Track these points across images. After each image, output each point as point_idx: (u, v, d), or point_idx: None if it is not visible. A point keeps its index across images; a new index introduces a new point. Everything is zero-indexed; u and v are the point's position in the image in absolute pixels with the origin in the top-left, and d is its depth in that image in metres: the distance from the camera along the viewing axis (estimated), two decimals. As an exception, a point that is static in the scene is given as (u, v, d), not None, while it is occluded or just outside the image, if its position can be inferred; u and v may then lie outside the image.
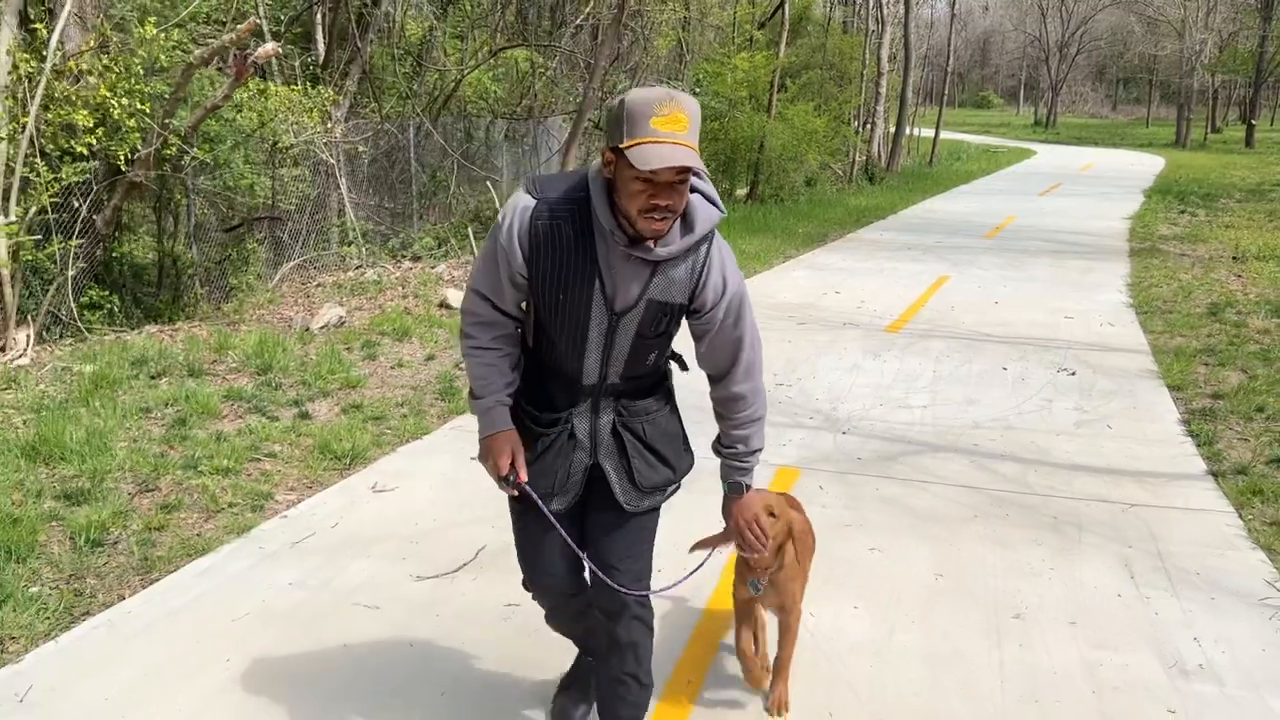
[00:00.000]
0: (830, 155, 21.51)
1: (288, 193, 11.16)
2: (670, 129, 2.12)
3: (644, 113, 2.12)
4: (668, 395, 2.63)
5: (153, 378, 6.71)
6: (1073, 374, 7.27)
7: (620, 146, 2.14)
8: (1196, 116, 47.25)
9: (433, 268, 11.73)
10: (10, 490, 4.49)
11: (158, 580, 3.86)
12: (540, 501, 2.48)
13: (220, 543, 4.18)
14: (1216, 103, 52.10)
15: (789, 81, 21.15)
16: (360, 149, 12.14)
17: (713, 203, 2.35)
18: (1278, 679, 3.29)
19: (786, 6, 19.98)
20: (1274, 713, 3.11)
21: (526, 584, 2.70)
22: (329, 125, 11.63)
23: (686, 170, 2.16)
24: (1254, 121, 42.05)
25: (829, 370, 7.26)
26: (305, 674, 3.24)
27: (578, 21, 17.43)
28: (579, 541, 2.59)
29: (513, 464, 2.45)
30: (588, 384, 2.45)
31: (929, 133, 31.63)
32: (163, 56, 8.46)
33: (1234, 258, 13.20)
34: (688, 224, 2.30)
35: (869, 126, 24.36)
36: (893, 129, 26.76)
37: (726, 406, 2.54)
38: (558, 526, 2.49)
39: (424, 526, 4.39)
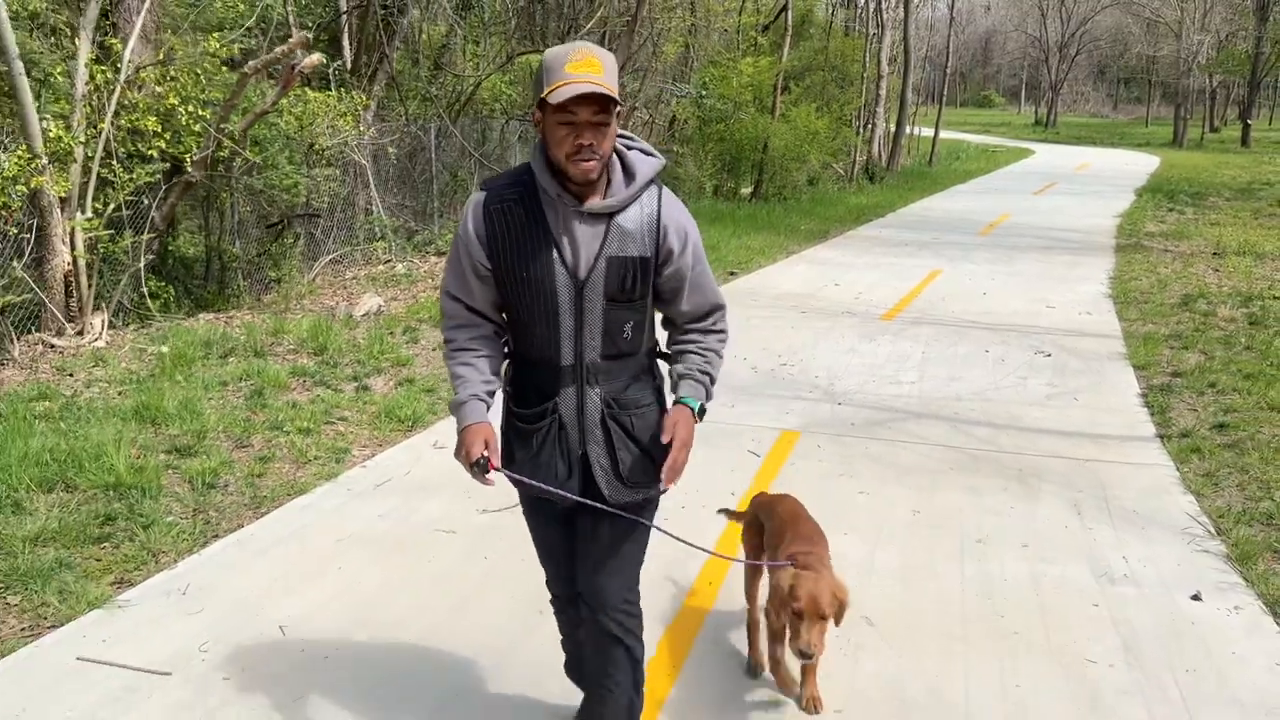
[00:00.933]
0: (832, 155, 22.28)
1: (320, 192, 11.95)
2: (583, 71, 2.23)
3: (559, 63, 2.25)
4: (658, 394, 2.65)
5: (222, 357, 7.50)
6: (1048, 356, 8.04)
7: (541, 96, 2.27)
8: (1195, 116, 48.00)
9: (457, 262, 12.51)
10: (129, 445, 5.28)
11: (267, 513, 4.65)
12: (518, 475, 2.55)
13: (313, 486, 4.97)
14: (1215, 102, 52.85)
15: (792, 84, 21.91)
16: (390, 150, 12.93)
17: (651, 154, 2.50)
18: (1186, 583, 4.06)
19: (790, 11, 20.77)
20: (1177, 606, 3.89)
21: (548, 583, 2.88)
22: (360, 129, 12.42)
23: (606, 106, 2.26)
24: (1249, 121, 42.75)
25: (828, 353, 8.03)
26: (400, 579, 4.03)
27: (588, 27, 18.22)
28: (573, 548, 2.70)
29: (487, 452, 2.44)
30: (566, 364, 2.47)
31: (930, 132, 32.39)
32: (212, 67, 9.22)
33: (1214, 253, 13.93)
34: (629, 174, 2.43)
35: (869, 127, 25.11)
36: (893, 129, 27.53)
37: (710, 324, 2.63)
38: (537, 483, 2.53)
39: (482, 475, 5.17)
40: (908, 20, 26.58)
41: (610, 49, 16.33)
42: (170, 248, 10.31)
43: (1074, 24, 56.84)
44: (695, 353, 2.61)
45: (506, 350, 2.63)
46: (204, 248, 11.28)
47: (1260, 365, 7.64)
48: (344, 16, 14.95)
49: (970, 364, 7.75)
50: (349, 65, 14.76)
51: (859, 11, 28.08)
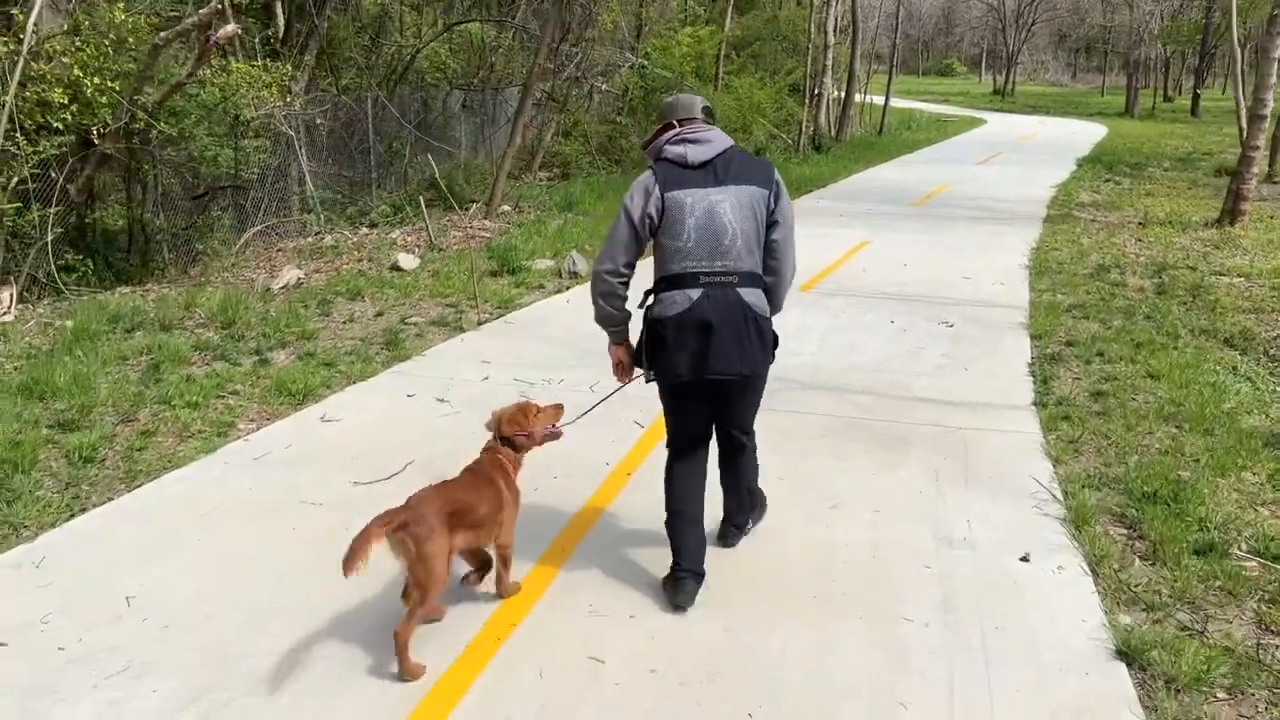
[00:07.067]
0: (778, 126, 22.35)
1: (249, 163, 11.87)
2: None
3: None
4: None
5: (128, 331, 7.52)
6: (950, 326, 8.21)
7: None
8: (1149, 86, 48.42)
9: (388, 234, 12.50)
10: (10, 421, 5.31)
11: (140, 486, 4.73)
12: None
13: (191, 459, 5.04)
14: (1169, 72, 53.37)
15: (736, 53, 21.90)
16: (318, 121, 12.84)
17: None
18: (1018, 545, 4.25)
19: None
20: (1005, 565, 4.07)
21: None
22: (288, 99, 12.33)
23: None
24: (1199, 91, 43.23)
25: (736, 323, 8.14)
26: (259, 549, 4.13)
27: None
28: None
29: None
30: None
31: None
32: (130, 38, 9.13)
33: (1139, 223, 14.18)
34: None
35: (817, 96, 25.18)
36: (842, 96, 27.60)
37: None
38: None
39: (363, 447, 5.26)
40: (855, -9, 26.62)
41: (544, 23, 16.22)
42: (88, 220, 10.22)
43: (1031, -7, 57.13)
44: None
45: None
46: (125, 220, 11.21)
47: (1152, 334, 7.86)
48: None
49: (873, 334, 7.91)
50: (281, 35, 14.61)
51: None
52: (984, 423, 5.84)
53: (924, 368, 7.02)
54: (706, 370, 3.64)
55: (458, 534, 3.44)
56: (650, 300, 3.77)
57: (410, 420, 5.71)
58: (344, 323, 8.03)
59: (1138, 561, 4.12)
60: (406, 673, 3.28)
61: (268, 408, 5.85)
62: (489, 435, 3.85)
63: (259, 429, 5.53)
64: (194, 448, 5.19)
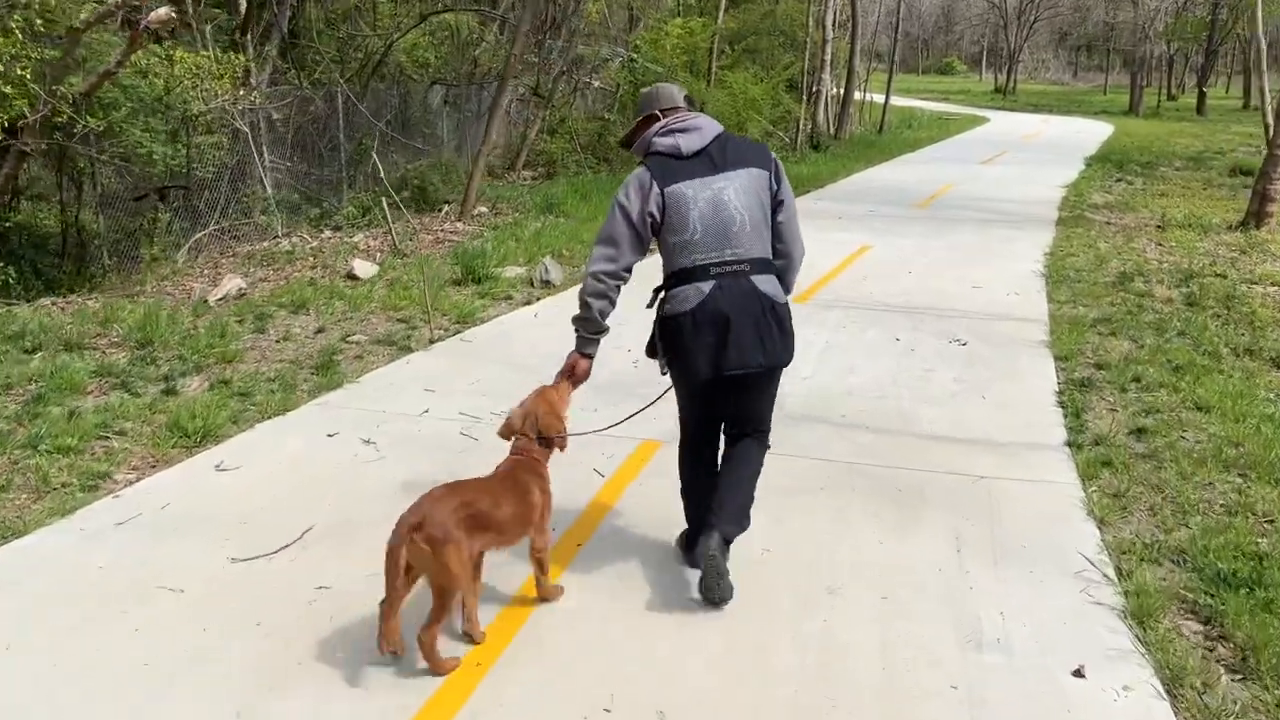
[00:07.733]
0: (774, 123, 21.41)
1: (204, 161, 10.92)
2: None
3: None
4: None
5: (26, 351, 6.58)
6: (964, 344, 7.28)
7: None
8: (1153, 84, 47.45)
9: (350, 237, 11.55)
10: None
11: (-36, 563, 3.78)
12: None
13: (41, 524, 4.09)
14: (1173, 70, 52.45)
15: (730, 47, 20.96)
16: (274, 116, 11.89)
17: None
18: (1067, 651, 3.31)
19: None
20: (1055, 683, 3.13)
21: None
22: (242, 93, 11.38)
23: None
24: (1205, 89, 42.29)
25: (721, 342, 7.21)
26: (88, 657, 3.19)
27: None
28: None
29: None
30: None
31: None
32: (40, 20, 8.17)
33: (1158, 226, 13.28)
34: None
35: (815, 92, 24.24)
36: (841, 93, 26.65)
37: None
38: None
39: (256, 506, 4.32)
40: (855, -17, 25.66)
41: (522, 10, 15.26)
42: (11, 223, 9.29)
43: (1032, -10, 56.14)
44: None
45: None
46: (59, 223, 10.27)
47: (1191, 355, 6.94)
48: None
49: (875, 353, 6.98)
50: (241, 24, 13.64)
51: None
52: (1010, 469, 4.90)
53: (935, 394, 6.09)
54: (727, 365, 3.46)
55: (477, 537, 3.17)
56: (660, 298, 3.60)
57: (324, 466, 4.76)
58: (277, 341, 7.09)
59: (1224, 676, 3.18)
60: (437, 669, 3.13)
61: (156, 452, 4.90)
62: (516, 437, 3.57)
63: (138, 480, 4.58)
64: (49, 508, 4.24)
